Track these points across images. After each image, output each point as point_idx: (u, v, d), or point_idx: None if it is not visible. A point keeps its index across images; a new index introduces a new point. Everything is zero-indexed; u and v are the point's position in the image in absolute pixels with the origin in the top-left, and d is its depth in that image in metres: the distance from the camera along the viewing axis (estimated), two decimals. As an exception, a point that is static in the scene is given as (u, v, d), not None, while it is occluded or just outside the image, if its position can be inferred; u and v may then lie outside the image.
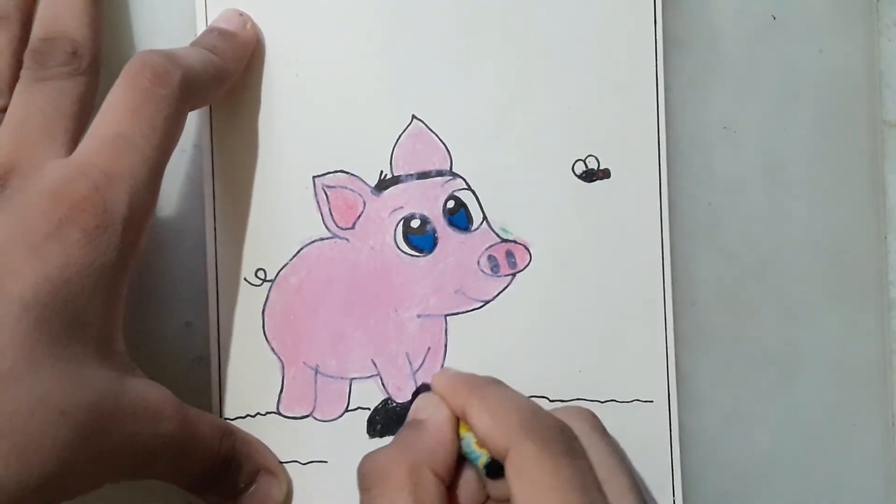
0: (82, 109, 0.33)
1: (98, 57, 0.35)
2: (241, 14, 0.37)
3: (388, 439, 0.37)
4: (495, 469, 0.32)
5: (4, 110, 0.33)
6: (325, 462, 0.38)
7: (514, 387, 0.37)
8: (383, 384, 0.38)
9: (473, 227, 0.38)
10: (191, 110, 0.34)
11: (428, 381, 0.37)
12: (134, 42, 0.38)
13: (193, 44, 0.35)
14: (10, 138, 0.32)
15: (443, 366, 0.38)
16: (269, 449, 0.37)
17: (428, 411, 0.34)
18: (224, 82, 0.36)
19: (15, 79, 0.34)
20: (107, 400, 0.30)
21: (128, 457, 0.31)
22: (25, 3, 0.35)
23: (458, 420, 0.34)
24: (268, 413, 0.38)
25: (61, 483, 0.28)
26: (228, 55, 0.36)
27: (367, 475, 0.32)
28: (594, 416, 0.34)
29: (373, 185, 0.38)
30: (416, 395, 0.37)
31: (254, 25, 0.37)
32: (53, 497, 0.29)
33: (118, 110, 0.32)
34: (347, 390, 0.38)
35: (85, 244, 0.30)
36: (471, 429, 0.33)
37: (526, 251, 0.38)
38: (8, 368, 0.27)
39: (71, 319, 0.29)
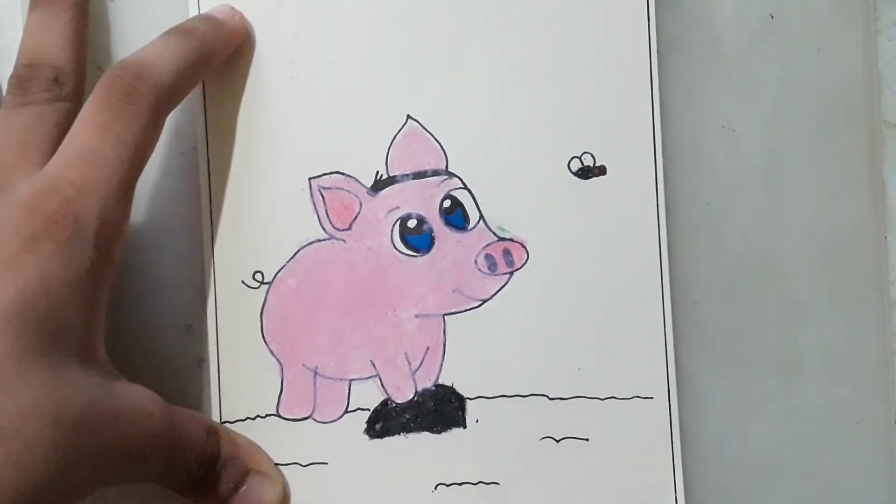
0: (62, 134, 0.34)
1: (81, 83, 0.35)
2: (233, 8, 0.37)
3: (388, 440, 0.38)
4: None
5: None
6: (326, 464, 0.38)
7: (513, 385, 0.37)
8: (382, 385, 0.38)
9: (470, 226, 0.38)
10: (169, 112, 0.34)
11: (428, 382, 0.38)
12: (128, 45, 0.38)
13: (175, 27, 0.36)
14: None
15: (442, 366, 0.38)
16: (261, 450, 0.37)
17: None
18: (201, 69, 0.36)
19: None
20: (96, 403, 0.30)
21: (120, 459, 0.31)
22: None
23: None
24: (267, 416, 0.38)
25: (57, 488, 0.28)
26: (209, 38, 0.36)
27: None
28: None
29: (369, 185, 0.38)
30: (422, 393, 0.37)
31: (243, 19, 0.37)
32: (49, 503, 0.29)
33: (89, 126, 0.32)
34: (347, 391, 0.38)
35: (59, 256, 0.30)
36: None
37: (523, 249, 0.38)
38: None
39: (52, 329, 0.30)
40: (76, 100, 0.35)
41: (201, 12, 0.37)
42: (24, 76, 0.34)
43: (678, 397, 0.38)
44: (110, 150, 0.32)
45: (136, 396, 0.32)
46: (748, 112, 0.40)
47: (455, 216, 0.38)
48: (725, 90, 0.40)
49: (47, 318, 0.29)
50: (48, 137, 0.33)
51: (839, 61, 0.40)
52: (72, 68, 0.35)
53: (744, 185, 0.40)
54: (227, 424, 0.37)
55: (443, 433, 0.38)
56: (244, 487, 0.36)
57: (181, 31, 0.35)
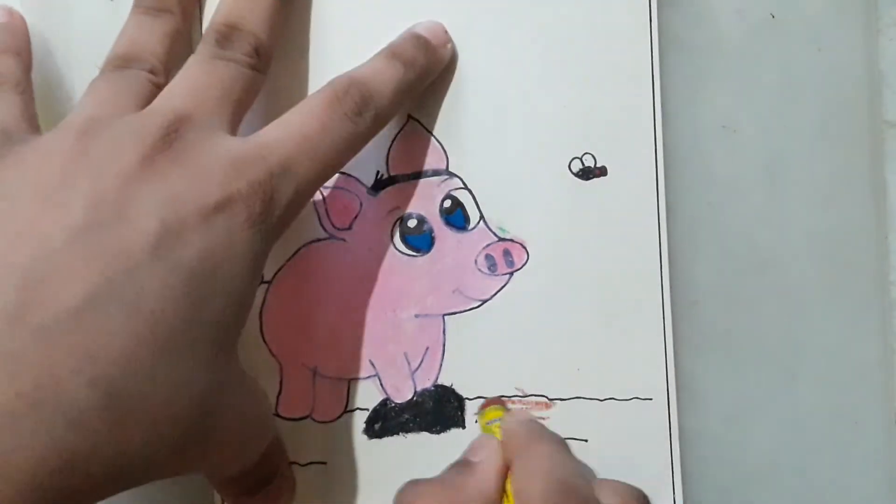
0: (247, 100, 0.33)
1: (270, 61, 0.35)
2: (446, 32, 0.37)
3: (387, 440, 0.38)
4: None
5: (160, 88, 0.33)
6: (325, 463, 0.38)
7: (512, 385, 0.37)
8: (382, 385, 0.38)
9: (470, 227, 0.38)
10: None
11: (428, 382, 0.38)
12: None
13: (400, 50, 0.35)
14: (187, 94, 0.32)
15: (441, 366, 0.38)
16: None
17: (481, 455, 0.34)
18: (408, 102, 0.36)
19: (171, 66, 0.34)
20: (235, 396, 0.30)
21: (229, 450, 0.31)
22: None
23: (507, 472, 0.34)
24: (267, 415, 0.38)
25: (183, 467, 0.29)
26: (425, 72, 0.36)
27: None
28: (642, 496, 0.34)
29: (369, 185, 0.38)
30: (421, 393, 0.37)
31: (453, 48, 0.38)
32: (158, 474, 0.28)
33: (312, 116, 0.32)
34: (346, 391, 0.38)
35: (248, 227, 0.29)
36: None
37: (523, 250, 0.38)
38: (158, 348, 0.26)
39: (220, 307, 0.29)
40: (264, 74, 0.34)
41: (419, 25, 0.37)
42: (225, 34, 0.33)
43: (678, 398, 0.38)
44: (322, 147, 0.31)
45: (264, 400, 0.33)
46: (748, 112, 0.40)
47: (455, 216, 0.38)
48: (725, 90, 0.40)
49: (220, 290, 0.28)
50: (239, 99, 0.33)
51: (839, 61, 0.40)
52: (269, 42, 0.34)
53: (744, 185, 0.40)
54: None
55: (442, 433, 0.38)
56: (270, 485, 0.35)
57: (406, 61, 0.35)
